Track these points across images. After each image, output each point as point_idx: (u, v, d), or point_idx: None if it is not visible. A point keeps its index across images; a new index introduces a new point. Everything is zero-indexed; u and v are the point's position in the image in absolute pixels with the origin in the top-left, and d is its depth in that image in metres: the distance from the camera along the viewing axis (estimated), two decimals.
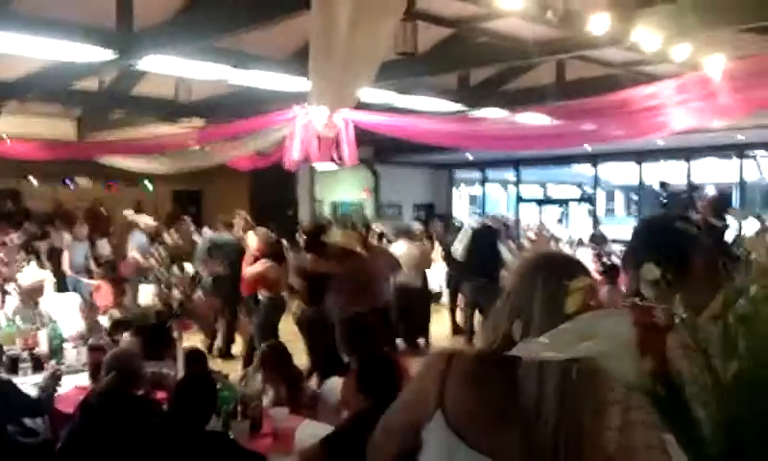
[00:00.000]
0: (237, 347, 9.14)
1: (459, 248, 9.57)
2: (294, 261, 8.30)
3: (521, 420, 1.57)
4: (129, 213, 11.36)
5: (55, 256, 9.89)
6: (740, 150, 13.93)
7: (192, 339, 7.94)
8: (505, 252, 9.20)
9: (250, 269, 8.18)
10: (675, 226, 1.97)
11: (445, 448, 1.64)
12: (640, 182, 16.41)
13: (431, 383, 1.66)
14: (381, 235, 12.88)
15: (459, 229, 10.47)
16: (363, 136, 8.39)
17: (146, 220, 10.98)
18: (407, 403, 1.74)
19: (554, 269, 1.68)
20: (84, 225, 10.59)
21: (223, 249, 9.17)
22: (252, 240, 9.21)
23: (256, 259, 8.21)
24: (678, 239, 1.91)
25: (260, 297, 8.15)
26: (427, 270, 10.13)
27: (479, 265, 8.95)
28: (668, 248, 1.76)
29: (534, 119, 7.79)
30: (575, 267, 1.70)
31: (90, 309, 6.47)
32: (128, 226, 11.08)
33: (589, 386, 1.53)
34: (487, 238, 9.32)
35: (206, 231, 10.79)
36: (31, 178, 15.15)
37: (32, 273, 6.67)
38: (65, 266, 9.74)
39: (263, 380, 4.50)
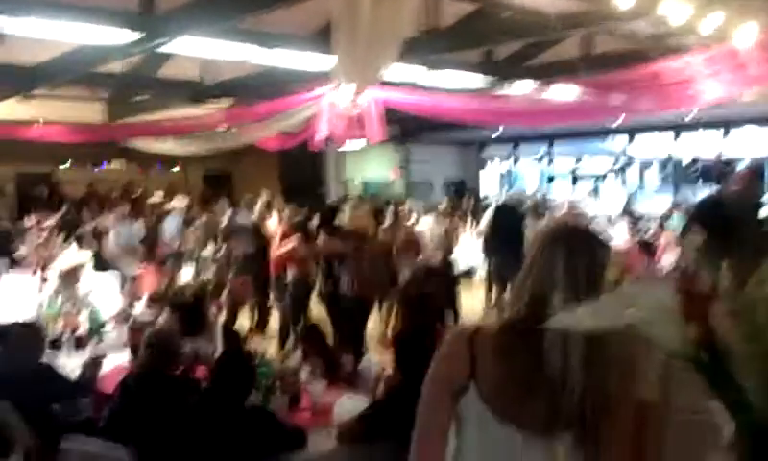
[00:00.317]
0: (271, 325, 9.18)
1: (483, 224, 9.56)
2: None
3: (547, 390, 1.60)
4: (157, 197, 11.46)
5: (97, 238, 9.96)
6: None
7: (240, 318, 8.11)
8: (530, 227, 9.15)
9: (278, 248, 8.26)
10: (719, 198, 1.97)
11: (479, 421, 1.68)
12: (671, 157, 16.11)
13: (460, 358, 1.69)
14: (410, 213, 12.84)
15: (488, 206, 10.46)
16: (390, 114, 8.38)
17: (178, 202, 11.07)
18: (438, 378, 1.76)
19: (575, 240, 1.70)
20: (126, 205, 10.67)
21: (241, 230, 9.26)
22: (273, 222, 9.33)
23: (284, 238, 8.28)
24: (722, 211, 1.90)
25: (289, 275, 8.23)
26: (455, 247, 10.10)
27: (503, 241, 8.90)
28: (713, 219, 1.76)
29: (562, 94, 7.69)
30: (595, 238, 1.72)
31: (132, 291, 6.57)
32: (160, 209, 11.22)
33: (616, 356, 1.55)
34: (511, 214, 9.30)
35: (228, 212, 10.86)
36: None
37: (71, 255, 6.78)
38: (111, 247, 9.82)
39: (302, 358, 4.57)
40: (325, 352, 4.60)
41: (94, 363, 4.48)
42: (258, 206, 9.69)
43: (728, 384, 0.83)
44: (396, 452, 3.07)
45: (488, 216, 9.68)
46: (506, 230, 8.86)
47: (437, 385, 1.75)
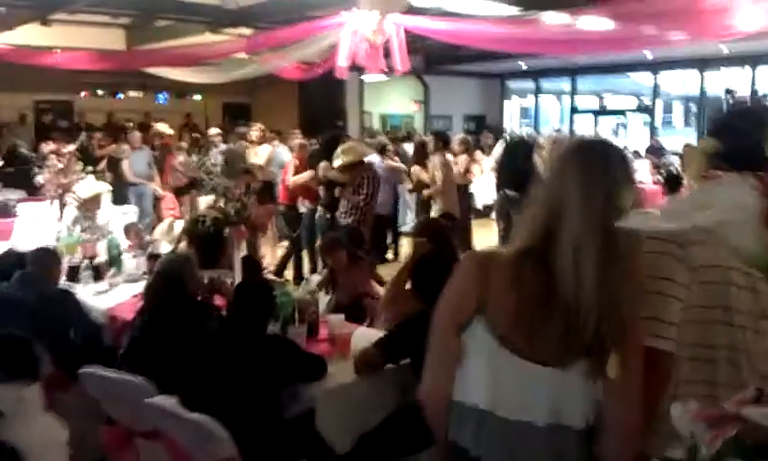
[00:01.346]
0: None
1: (493, 160, 9.47)
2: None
3: (559, 319, 1.54)
4: (162, 127, 11.35)
5: (113, 166, 9.99)
6: None
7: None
8: (540, 164, 9.00)
9: (293, 178, 8.19)
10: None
11: (487, 353, 1.63)
12: (702, 92, 15.72)
13: (471, 286, 1.65)
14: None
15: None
16: (413, 44, 8.16)
17: (162, 128, 11.00)
18: (449, 304, 1.72)
19: (590, 154, 1.59)
20: (137, 132, 10.64)
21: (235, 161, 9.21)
22: (264, 151, 9.24)
23: (298, 169, 8.22)
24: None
25: (302, 208, 8.20)
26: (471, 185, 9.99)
27: (511, 177, 8.73)
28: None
29: (593, 24, 7.42)
30: (614, 151, 1.61)
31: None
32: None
33: (629, 278, 1.51)
34: (520, 150, 9.11)
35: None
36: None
37: (90, 184, 6.76)
38: (128, 174, 9.85)
39: (327, 274, 4.60)
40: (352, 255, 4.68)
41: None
42: (254, 135, 9.63)
43: None
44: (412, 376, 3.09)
45: (496, 152, 9.58)
46: (514, 165, 8.71)
47: (448, 311, 1.71)
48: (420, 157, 9.05)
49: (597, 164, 1.55)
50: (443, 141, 9.00)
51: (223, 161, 8.98)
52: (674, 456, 0.84)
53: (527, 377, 1.60)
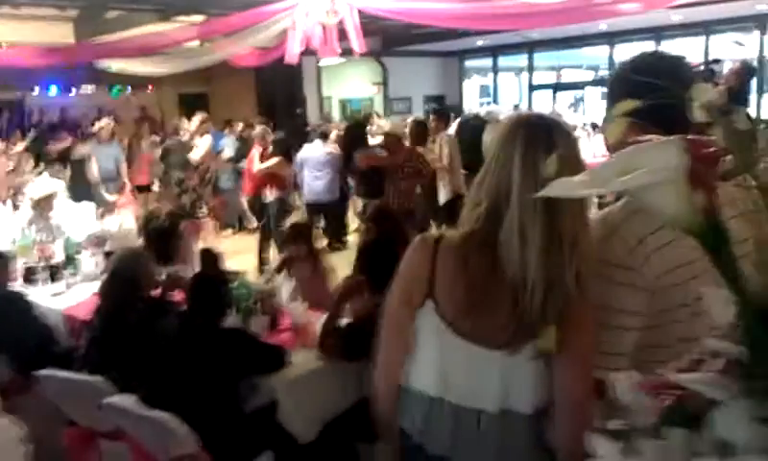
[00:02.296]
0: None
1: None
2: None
3: (507, 300, 1.52)
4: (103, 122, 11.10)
5: (76, 166, 9.75)
6: (761, 21, 13.36)
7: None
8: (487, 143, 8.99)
9: (259, 166, 8.09)
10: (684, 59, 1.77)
11: (436, 337, 1.61)
12: None
13: (420, 269, 1.62)
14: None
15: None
16: (369, 26, 8.10)
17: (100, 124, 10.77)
18: (399, 287, 1.70)
19: (532, 129, 1.55)
20: (109, 127, 10.37)
21: (174, 153, 9.14)
22: (204, 143, 9.15)
23: (262, 157, 8.13)
24: (691, 72, 1.72)
25: (269, 197, 8.10)
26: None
27: (462, 156, 8.74)
28: (684, 78, 1.56)
29: None
30: (557, 125, 1.57)
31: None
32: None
33: (574, 256, 1.48)
34: (470, 131, 9.08)
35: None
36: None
37: (43, 183, 6.60)
38: (94, 173, 9.59)
39: (288, 264, 4.52)
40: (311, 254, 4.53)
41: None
42: (192, 126, 9.51)
43: (728, 266, 0.72)
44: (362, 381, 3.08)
45: (450, 131, 9.54)
46: (463, 145, 8.69)
47: (399, 295, 1.69)
48: (420, 138, 8.39)
49: (540, 140, 1.52)
50: (446, 120, 8.91)
51: (158, 157, 8.89)
52: (616, 428, 0.82)
53: (476, 361, 1.58)
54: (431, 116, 9.19)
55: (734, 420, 0.72)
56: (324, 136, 9.21)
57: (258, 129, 9.12)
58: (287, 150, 8.62)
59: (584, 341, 1.52)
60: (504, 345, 1.55)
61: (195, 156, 8.81)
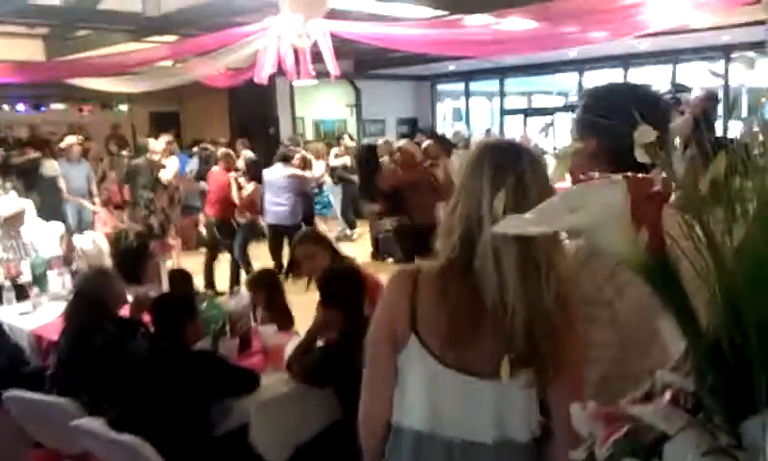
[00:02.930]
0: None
1: None
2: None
3: (490, 326, 1.50)
4: (72, 140, 11.01)
5: (44, 183, 9.68)
6: (726, 51, 13.70)
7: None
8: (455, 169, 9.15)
9: (238, 192, 8.10)
10: (653, 92, 1.82)
11: (423, 370, 1.57)
12: None
13: (402, 302, 1.59)
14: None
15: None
16: (342, 49, 8.14)
17: (69, 140, 10.67)
18: (382, 323, 1.66)
19: (499, 155, 1.55)
20: (78, 146, 10.32)
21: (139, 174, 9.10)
22: (173, 163, 9.11)
23: (239, 182, 8.15)
24: (661, 105, 1.76)
25: (239, 220, 8.10)
26: None
27: None
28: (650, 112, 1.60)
29: (517, 24, 7.57)
30: (524, 151, 1.57)
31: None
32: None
33: (551, 282, 1.47)
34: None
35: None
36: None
37: (11, 201, 6.51)
38: (64, 192, 9.54)
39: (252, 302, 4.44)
40: (274, 302, 4.39)
41: None
42: (158, 147, 9.44)
43: (678, 297, 0.75)
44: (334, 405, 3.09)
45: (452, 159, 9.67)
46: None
47: (381, 331, 1.65)
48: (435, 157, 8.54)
49: (508, 166, 1.51)
50: (448, 147, 9.09)
51: (123, 177, 8.82)
52: (576, 458, 0.84)
53: (467, 392, 1.55)
54: (427, 141, 9.35)
55: (684, 452, 0.73)
56: (286, 159, 8.90)
57: (222, 150, 9.10)
58: (259, 171, 8.62)
59: (576, 369, 1.52)
60: (493, 373, 1.49)
61: (165, 175, 8.75)
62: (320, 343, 3.42)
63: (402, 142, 9.56)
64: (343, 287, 3.29)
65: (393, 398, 1.65)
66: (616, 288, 1.51)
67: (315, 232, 4.80)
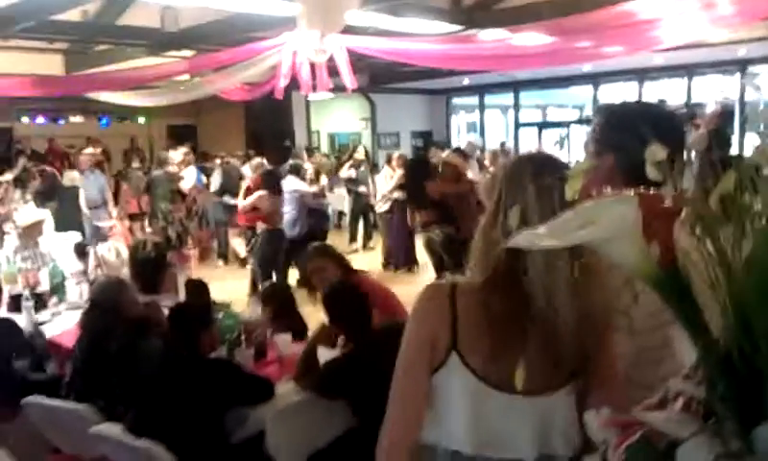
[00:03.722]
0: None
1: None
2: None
3: (537, 336, 1.44)
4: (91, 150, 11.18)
5: (64, 193, 9.80)
6: (742, 66, 13.66)
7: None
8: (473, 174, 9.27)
9: (243, 201, 8.18)
10: (668, 110, 1.85)
11: (465, 390, 1.49)
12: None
13: (440, 323, 1.49)
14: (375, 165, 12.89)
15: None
16: (357, 63, 8.21)
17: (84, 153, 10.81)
18: (417, 341, 1.55)
19: (540, 164, 1.52)
20: (85, 156, 10.45)
21: (158, 185, 9.20)
22: (190, 174, 9.17)
23: (250, 191, 8.19)
24: (675, 122, 1.78)
25: (258, 229, 8.16)
26: None
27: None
28: (665, 130, 1.62)
29: (531, 39, 7.61)
30: (558, 163, 1.54)
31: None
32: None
33: (596, 279, 1.43)
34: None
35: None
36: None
37: (30, 212, 6.61)
38: (82, 205, 9.67)
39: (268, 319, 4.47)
40: (289, 316, 4.40)
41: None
42: (176, 158, 9.54)
43: (689, 312, 0.77)
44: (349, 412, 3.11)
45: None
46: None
47: (416, 350, 1.54)
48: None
49: (549, 167, 1.49)
50: (464, 158, 9.17)
51: (144, 188, 8.91)
52: None
53: (510, 410, 1.48)
54: (447, 153, 9.50)
55: (696, 457, 0.74)
56: (296, 171, 9.06)
57: (254, 162, 9.20)
58: (275, 183, 8.67)
59: (616, 377, 1.51)
60: (539, 389, 1.46)
61: (185, 185, 8.86)
62: (334, 353, 3.45)
63: (446, 154, 9.68)
64: (343, 305, 3.35)
65: (423, 421, 1.55)
66: (632, 293, 1.52)
67: (324, 247, 4.84)
